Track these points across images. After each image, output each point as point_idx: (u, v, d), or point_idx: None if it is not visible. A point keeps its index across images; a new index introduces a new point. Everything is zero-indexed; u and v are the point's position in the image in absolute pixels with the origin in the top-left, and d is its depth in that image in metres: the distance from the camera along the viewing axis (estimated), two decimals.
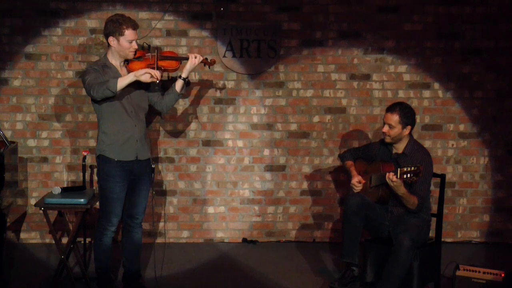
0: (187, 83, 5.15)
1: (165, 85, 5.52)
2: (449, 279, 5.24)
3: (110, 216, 4.94)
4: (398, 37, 6.37)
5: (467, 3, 6.34)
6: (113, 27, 4.86)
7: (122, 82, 4.75)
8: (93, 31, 6.20)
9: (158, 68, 4.99)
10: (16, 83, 6.21)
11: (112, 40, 4.88)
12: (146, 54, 5.05)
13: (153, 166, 5.06)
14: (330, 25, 6.33)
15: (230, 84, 6.34)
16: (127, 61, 4.99)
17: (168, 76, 6.10)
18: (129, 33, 4.87)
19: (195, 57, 5.14)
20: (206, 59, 5.32)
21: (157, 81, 4.82)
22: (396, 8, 6.34)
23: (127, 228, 5.12)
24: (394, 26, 6.36)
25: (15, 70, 6.20)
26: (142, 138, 5.03)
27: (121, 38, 4.87)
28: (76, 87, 6.21)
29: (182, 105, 6.29)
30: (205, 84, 6.32)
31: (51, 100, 6.24)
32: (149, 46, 5.17)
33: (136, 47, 4.93)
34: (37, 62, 6.20)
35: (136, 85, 4.96)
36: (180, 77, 5.14)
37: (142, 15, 6.18)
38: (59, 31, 6.19)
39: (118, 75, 4.90)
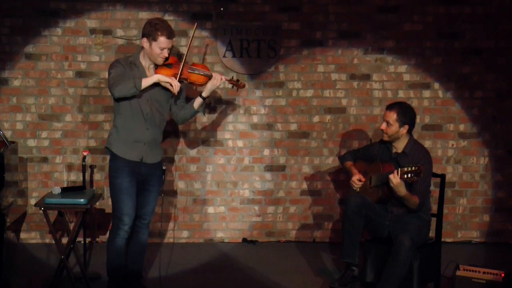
0: (207, 104, 5.03)
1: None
2: (449, 279, 5.24)
3: (121, 214, 4.90)
4: (398, 37, 6.37)
5: (467, 3, 6.34)
6: (149, 30, 4.84)
7: (147, 82, 4.80)
8: (93, 31, 6.20)
9: (181, 80, 4.95)
10: (16, 83, 6.21)
11: (145, 42, 4.87)
12: (177, 63, 4.99)
13: (164, 167, 5.06)
14: (330, 25, 6.33)
15: (230, 84, 6.32)
16: (156, 65, 4.96)
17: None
18: (162, 40, 4.82)
19: (219, 79, 5.06)
20: (237, 80, 5.27)
21: (174, 94, 4.85)
22: (396, 8, 6.34)
23: (134, 228, 5.07)
24: (394, 26, 6.36)
25: (15, 70, 6.20)
26: (152, 143, 4.98)
27: (154, 43, 4.84)
28: (76, 87, 6.22)
29: None
30: None
31: (51, 100, 6.24)
32: (181, 56, 5.08)
33: (166, 55, 4.88)
34: (37, 62, 6.20)
35: (161, 90, 4.93)
36: (200, 95, 5.08)
37: (142, 15, 6.18)
38: (59, 31, 6.19)
39: (144, 76, 4.89)
